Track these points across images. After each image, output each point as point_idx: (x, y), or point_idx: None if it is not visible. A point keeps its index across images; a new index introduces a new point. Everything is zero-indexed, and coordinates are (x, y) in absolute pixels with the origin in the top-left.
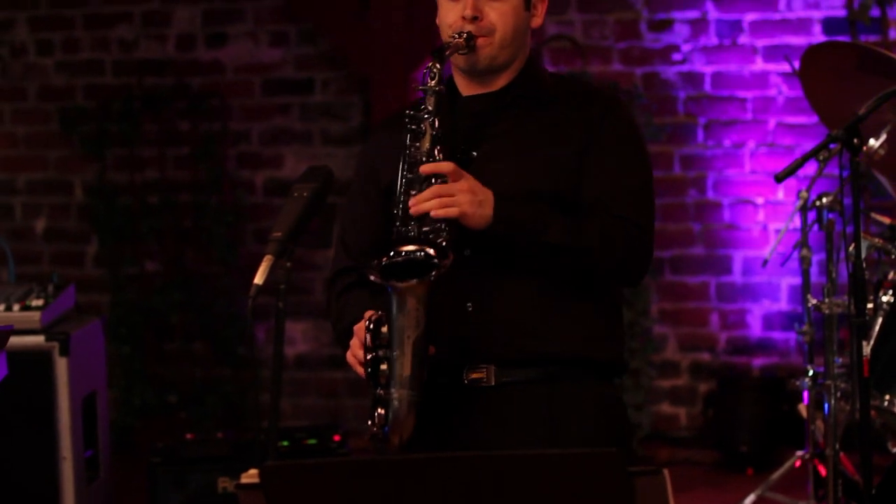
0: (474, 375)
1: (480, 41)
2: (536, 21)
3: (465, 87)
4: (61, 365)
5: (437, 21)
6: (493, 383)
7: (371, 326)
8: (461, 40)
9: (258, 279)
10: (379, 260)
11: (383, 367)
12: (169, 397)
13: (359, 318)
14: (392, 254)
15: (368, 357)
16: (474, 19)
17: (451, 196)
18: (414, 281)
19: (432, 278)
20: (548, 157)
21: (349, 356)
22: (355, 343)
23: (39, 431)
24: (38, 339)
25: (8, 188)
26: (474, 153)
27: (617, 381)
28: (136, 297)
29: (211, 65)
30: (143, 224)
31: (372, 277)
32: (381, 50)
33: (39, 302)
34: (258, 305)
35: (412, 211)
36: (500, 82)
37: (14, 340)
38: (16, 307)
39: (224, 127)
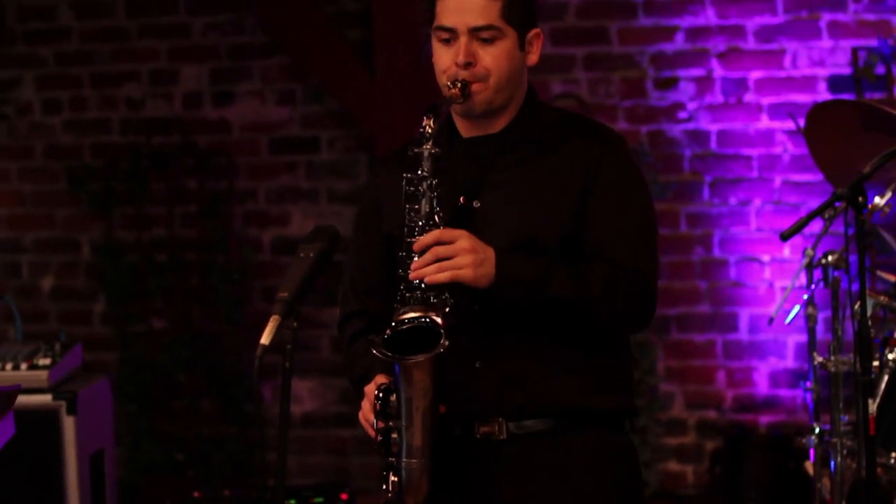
0: (486, 429)
1: (475, 87)
2: (532, 59)
3: (465, 129)
4: (69, 423)
5: (433, 61)
6: (504, 436)
7: (380, 395)
8: (456, 91)
9: (264, 339)
10: (382, 334)
11: (394, 436)
12: (176, 455)
13: (369, 373)
14: (395, 324)
15: (380, 426)
16: (468, 65)
17: (452, 258)
18: (421, 357)
19: (440, 350)
20: (549, 206)
21: (361, 418)
22: (366, 406)
23: (47, 490)
24: (46, 398)
25: (15, 246)
26: (476, 203)
27: (628, 424)
28: (144, 355)
29: (218, 123)
30: (151, 282)
31: (377, 353)
32: (387, 108)
33: (47, 361)
34: (265, 364)
35: (412, 276)
36: (500, 123)
37: (22, 399)
38: (23, 366)
39: (231, 185)
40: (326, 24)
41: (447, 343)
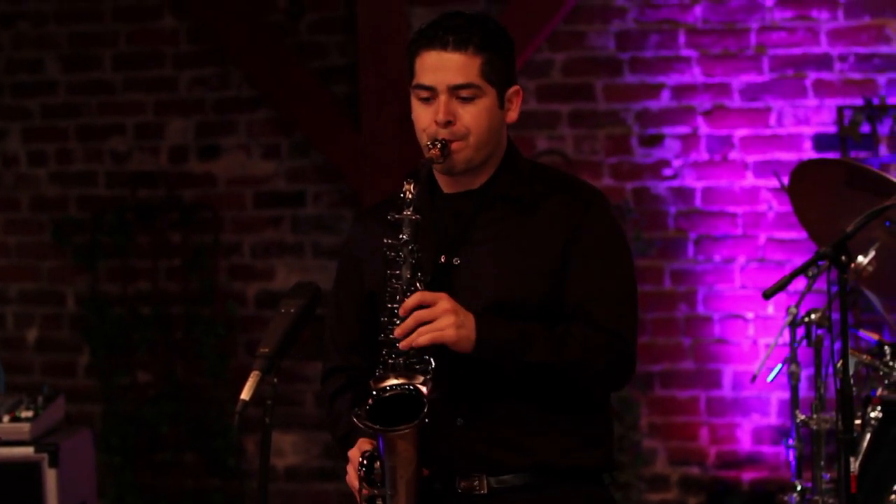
0: (466, 484)
1: (455, 145)
2: (511, 116)
3: (446, 184)
4: (50, 476)
5: (413, 119)
6: (485, 491)
7: (364, 463)
8: (436, 151)
9: (245, 395)
10: (365, 403)
11: (379, 503)
12: None
13: (352, 433)
14: (377, 393)
15: (364, 493)
16: (448, 123)
17: (433, 321)
18: (405, 429)
19: (423, 420)
20: (529, 266)
21: (348, 480)
22: (352, 472)
23: None
24: (28, 451)
25: (0, 298)
26: (456, 260)
27: (608, 478)
28: (128, 408)
29: (203, 177)
30: (136, 335)
31: (361, 425)
32: (372, 163)
33: (29, 413)
34: (248, 417)
35: (402, 346)
36: (481, 179)
37: (3, 452)
38: (5, 418)
39: (216, 239)
40: (313, 79)
41: (429, 413)
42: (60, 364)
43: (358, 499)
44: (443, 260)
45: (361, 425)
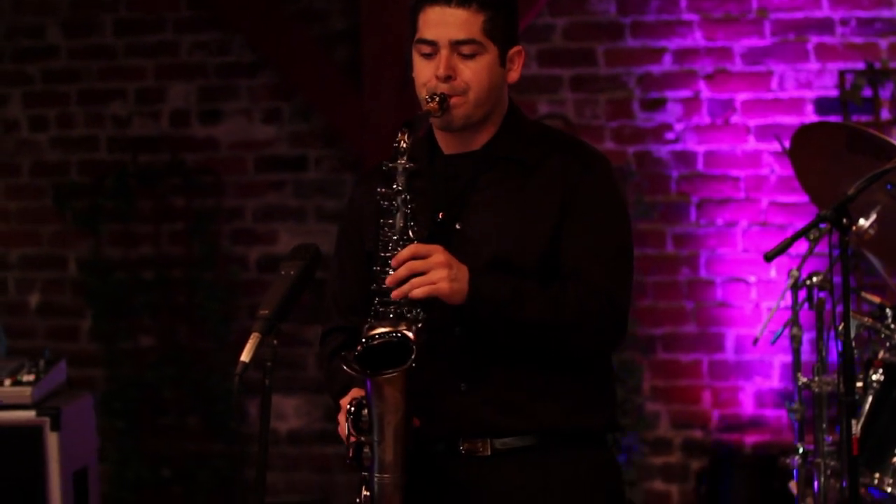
0: (469, 446)
1: (454, 100)
2: (513, 76)
3: (446, 144)
4: (52, 440)
5: (414, 75)
6: (488, 453)
7: (352, 410)
8: (434, 104)
9: (245, 356)
10: (354, 349)
11: (366, 450)
12: (162, 471)
13: (347, 388)
14: (366, 340)
15: (352, 441)
16: (448, 78)
17: (426, 273)
18: (392, 373)
19: (410, 365)
20: (527, 227)
21: (340, 430)
22: (342, 420)
23: None
24: (29, 415)
25: (1, 263)
26: (457, 224)
27: (611, 439)
28: (130, 372)
29: (205, 141)
30: (138, 299)
31: (347, 369)
32: (374, 127)
33: (30, 377)
34: (251, 380)
35: (394, 295)
36: (481, 139)
37: (4, 416)
38: (7, 382)
39: (218, 203)
40: (314, 43)
41: (420, 361)
42: (62, 328)
43: (346, 446)
44: (440, 217)
45: (349, 369)
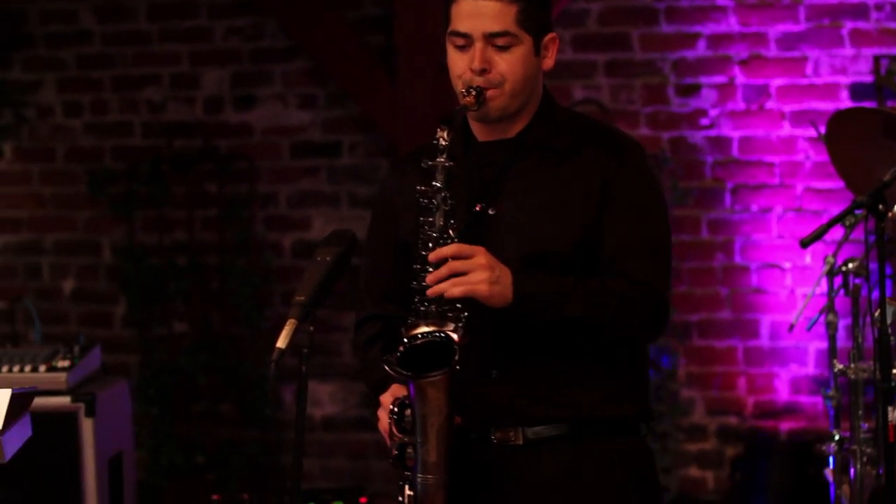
0: (501, 434)
1: (490, 93)
2: (548, 63)
3: (481, 132)
4: (87, 426)
5: (448, 67)
6: (520, 442)
7: (395, 410)
8: (471, 98)
9: (281, 343)
10: (396, 350)
11: (410, 450)
12: (196, 458)
13: (385, 380)
14: (408, 340)
15: (395, 440)
16: (483, 71)
17: (467, 274)
18: (434, 376)
19: (453, 368)
20: (564, 215)
21: (380, 426)
22: (383, 417)
23: (65, 493)
24: (64, 400)
25: (36, 248)
26: (491, 211)
27: (645, 428)
28: (165, 358)
29: (239, 127)
30: (172, 285)
31: (391, 372)
32: (408, 113)
33: (65, 363)
34: (285, 367)
35: (429, 293)
36: (516, 128)
37: (39, 401)
38: (42, 368)
39: (252, 189)
40: (348, 29)
41: (460, 359)
42: (97, 314)
43: (388, 445)
44: (477, 209)
45: (392, 372)
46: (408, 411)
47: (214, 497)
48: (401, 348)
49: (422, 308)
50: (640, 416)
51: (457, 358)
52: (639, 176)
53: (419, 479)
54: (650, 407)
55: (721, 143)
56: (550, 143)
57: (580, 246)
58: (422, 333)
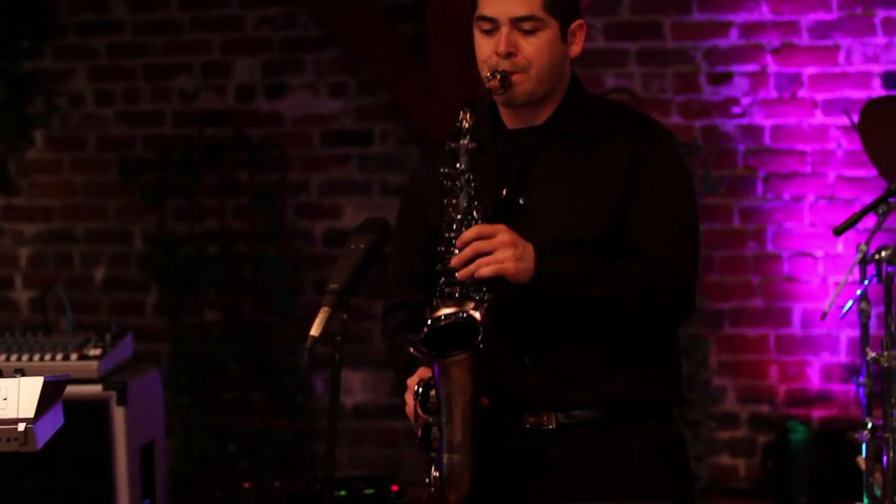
0: (534, 420)
1: (516, 77)
2: (575, 50)
3: (509, 119)
4: (119, 414)
5: (475, 52)
6: (553, 426)
7: (420, 391)
8: (496, 82)
9: (314, 331)
10: (420, 332)
11: (435, 431)
12: (227, 446)
13: (412, 364)
14: (432, 321)
15: (419, 422)
16: (509, 55)
17: (492, 254)
18: (458, 356)
19: (477, 347)
20: (592, 202)
21: (407, 410)
22: (410, 400)
23: (97, 481)
24: (96, 389)
25: (67, 237)
26: (520, 199)
27: (677, 413)
28: (196, 347)
29: (270, 116)
30: (203, 274)
31: (414, 351)
32: (440, 101)
33: (97, 351)
34: (317, 355)
35: (459, 275)
36: (544, 114)
37: (71, 390)
38: (73, 356)
39: (283, 178)
40: (379, 17)
41: (485, 339)
42: (128, 303)
43: (414, 427)
44: (504, 194)
45: (416, 352)
46: (433, 392)
47: (246, 485)
48: (425, 329)
49: (446, 290)
50: (672, 401)
51: (480, 337)
52: (667, 160)
53: (445, 459)
54: (682, 392)
55: (753, 132)
56: (579, 129)
57: (609, 232)
58: (445, 315)
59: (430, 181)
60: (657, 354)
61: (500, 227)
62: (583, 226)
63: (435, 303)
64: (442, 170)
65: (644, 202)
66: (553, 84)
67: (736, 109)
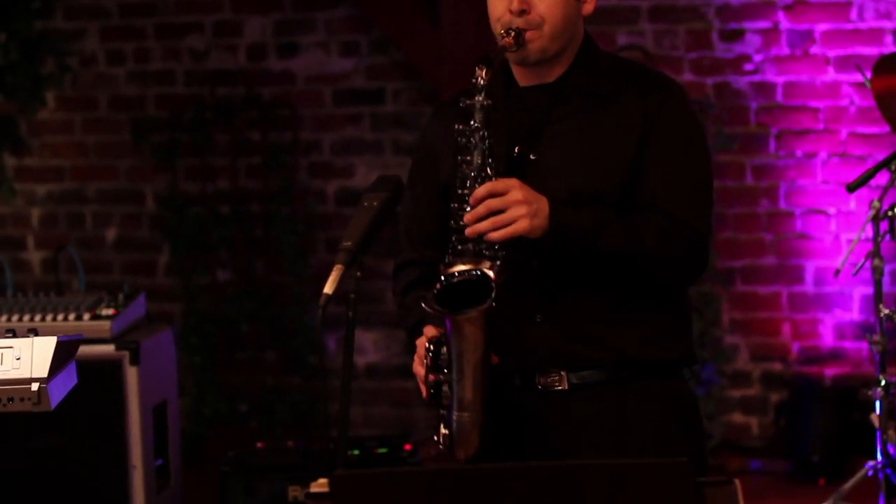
0: (546, 380)
1: (529, 34)
2: (587, 8)
3: (521, 77)
4: (131, 374)
5: (488, 10)
6: (565, 387)
7: (431, 348)
8: (510, 39)
9: (328, 288)
10: (433, 288)
11: (445, 388)
12: (240, 406)
13: (421, 324)
14: (445, 278)
15: (430, 379)
16: (522, 13)
17: (506, 212)
18: (472, 312)
19: (491, 304)
20: (606, 158)
21: (413, 369)
22: (417, 359)
23: (109, 440)
24: (109, 349)
25: (79, 197)
26: (532, 155)
27: (687, 372)
28: (208, 307)
29: (282, 75)
30: (215, 234)
31: (427, 308)
32: (451, 60)
33: (110, 311)
34: (329, 314)
35: (468, 232)
36: (556, 72)
37: (84, 350)
38: (86, 316)
39: (295, 137)
40: None
41: (497, 297)
42: (140, 263)
43: (422, 387)
44: (517, 151)
45: (429, 309)
46: (443, 349)
47: (258, 445)
48: (437, 286)
49: (459, 247)
50: (683, 359)
51: (493, 295)
52: (680, 116)
53: (455, 417)
54: (693, 351)
55: (765, 89)
56: (591, 86)
57: (621, 188)
58: (458, 271)
59: (443, 139)
60: (668, 312)
61: (514, 182)
62: (595, 180)
63: (448, 259)
64: (456, 127)
65: (657, 158)
66: (566, 42)
67: (748, 66)
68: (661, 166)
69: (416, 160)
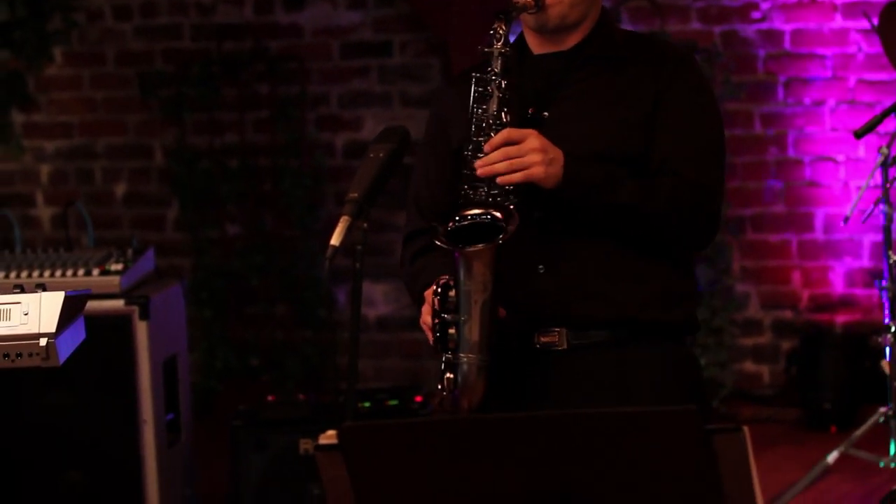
0: (545, 339)
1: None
2: None
3: (536, 45)
4: (141, 329)
5: None
6: (564, 347)
7: (439, 291)
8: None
9: (335, 240)
10: (445, 225)
11: (451, 331)
12: (250, 360)
13: (430, 284)
14: (458, 218)
15: (436, 321)
16: None
17: (521, 157)
18: (480, 246)
19: (499, 242)
20: (618, 120)
21: (421, 322)
22: (425, 309)
23: (120, 395)
24: (118, 304)
25: (88, 153)
26: (545, 114)
27: (689, 339)
28: (217, 261)
29: (289, 28)
30: (224, 188)
31: (438, 243)
32: (458, 12)
33: (119, 266)
34: (338, 267)
35: (480, 173)
36: (572, 41)
37: (93, 305)
38: (95, 271)
39: (303, 90)
40: None
41: (513, 227)
42: (149, 218)
43: (430, 338)
44: (531, 112)
45: (438, 241)
46: (451, 292)
47: (270, 398)
48: (450, 224)
49: (471, 193)
50: (685, 325)
51: (504, 233)
52: (694, 84)
53: (461, 358)
54: (696, 319)
55: (773, 37)
56: (607, 53)
57: (635, 149)
58: (470, 215)
59: (454, 104)
60: (673, 276)
61: (530, 131)
62: (609, 141)
63: (460, 202)
64: (474, 74)
65: (670, 122)
66: (585, 11)
67: (755, 14)
68: (673, 130)
69: (427, 130)
